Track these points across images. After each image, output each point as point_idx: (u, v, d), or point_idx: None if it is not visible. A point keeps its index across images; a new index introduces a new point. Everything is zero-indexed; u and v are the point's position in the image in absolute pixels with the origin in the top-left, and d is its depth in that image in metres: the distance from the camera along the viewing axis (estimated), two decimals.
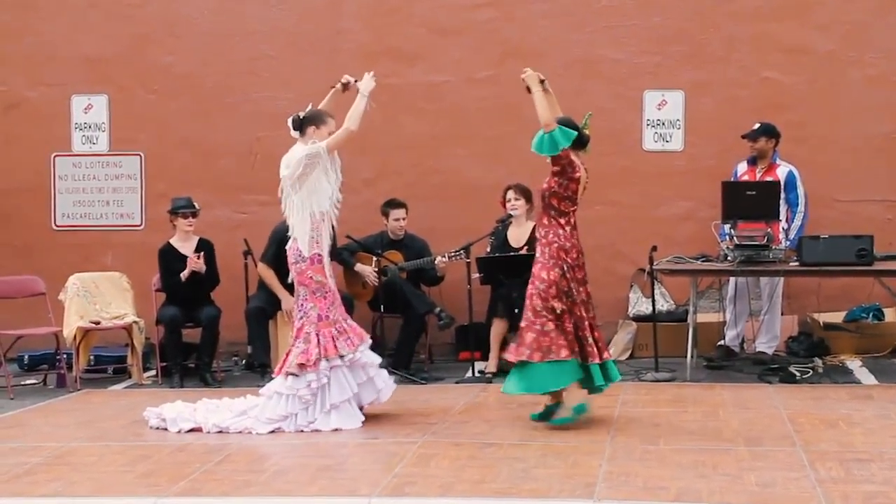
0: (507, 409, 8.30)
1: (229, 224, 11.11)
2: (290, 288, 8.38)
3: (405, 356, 10.06)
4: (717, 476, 6.21)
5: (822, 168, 10.63)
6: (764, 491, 5.93)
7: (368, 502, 5.97)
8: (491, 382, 9.48)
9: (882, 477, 6.15)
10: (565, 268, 7.50)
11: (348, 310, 9.78)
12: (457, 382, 9.60)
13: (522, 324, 7.58)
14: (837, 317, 10.56)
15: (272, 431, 7.60)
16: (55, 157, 11.64)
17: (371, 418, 7.90)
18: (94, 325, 10.02)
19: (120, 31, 11.55)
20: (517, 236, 10.17)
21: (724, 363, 10.00)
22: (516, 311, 9.38)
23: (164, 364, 10.03)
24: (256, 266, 10.14)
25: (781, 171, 10.06)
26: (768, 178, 9.99)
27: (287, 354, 7.81)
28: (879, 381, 9.31)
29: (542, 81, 7.72)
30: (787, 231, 9.91)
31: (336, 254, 10.06)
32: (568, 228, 7.60)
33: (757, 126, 10.11)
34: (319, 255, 7.71)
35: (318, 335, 7.67)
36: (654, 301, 10.21)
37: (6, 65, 11.68)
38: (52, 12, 11.63)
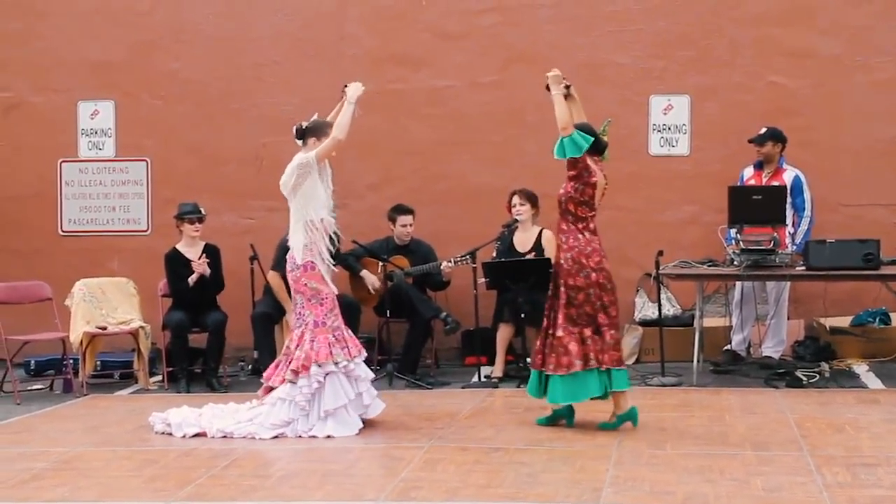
0: (513, 413, 8.30)
1: (235, 230, 11.13)
2: None
3: (411, 361, 10.07)
4: (724, 481, 6.21)
5: (829, 172, 10.62)
6: (771, 496, 5.93)
7: None
8: (497, 387, 9.48)
9: (889, 481, 6.14)
10: (589, 273, 7.50)
11: (355, 315, 9.84)
12: (463, 387, 9.59)
13: (559, 333, 7.51)
14: (844, 321, 10.54)
15: (275, 437, 7.59)
16: (62, 162, 11.66)
17: (377, 423, 7.91)
18: (100, 330, 10.03)
19: (126, 37, 11.57)
20: (523, 241, 10.17)
21: (731, 368, 9.98)
22: (522, 315, 9.43)
23: (171, 369, 10.04)
24: (263, 271, 10.15)
25: (788, 176, 10.05)
26: (775, 183, 9.97)
27: (277, 364, 7.85)
28: (886, 385, 9.29)
29: (567, 87, 7.77)
30: (793, 235, 9.91)
31: (342, 259, 10.08)
32: (587, 233, 7.60)
33: (763, 130, 10.10)
34: (313, 262, 7.70)
35: (313, 341, 7.67)
36: (660, 306, 10.20)
37: (13, 71, 11.71)
38: (59, 19, 11.66)
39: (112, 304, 10.33)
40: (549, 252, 9.94)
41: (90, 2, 11.66)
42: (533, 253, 10.05)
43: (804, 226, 9.99)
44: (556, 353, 7.52)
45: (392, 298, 9.90)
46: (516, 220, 10.10)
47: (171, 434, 7.78)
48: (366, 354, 7.97)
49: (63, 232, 11.68)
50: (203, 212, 10.19)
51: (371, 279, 10.21)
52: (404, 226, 10.39)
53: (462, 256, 9.97)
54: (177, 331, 9.87)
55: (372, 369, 10.20)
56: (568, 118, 7.48)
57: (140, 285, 10.52)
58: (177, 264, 10.04)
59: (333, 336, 7.70)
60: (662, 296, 10.36)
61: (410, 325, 10.13)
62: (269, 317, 9.91)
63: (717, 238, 9.80)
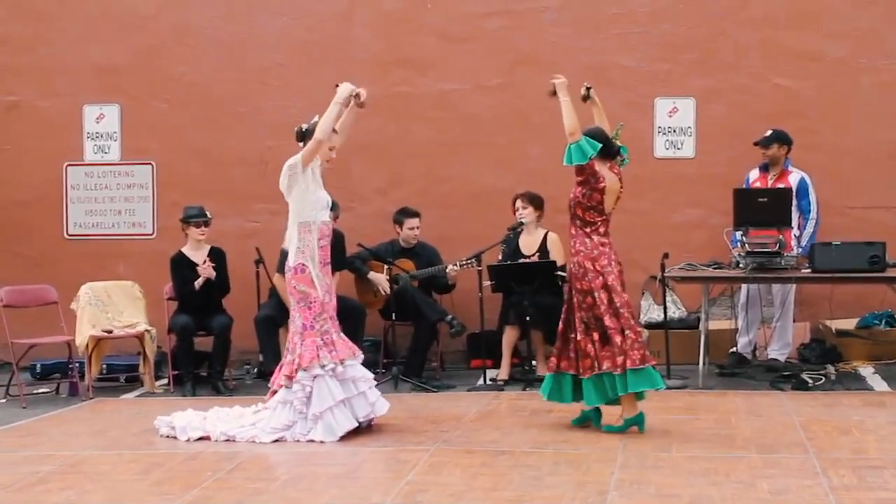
0: (518, 416, 8.30)
1: (241, 233, 11.13)
2: None
3: (417, 364, 10.07)
4: (730, 483, 6.20)
5: (834, 175, 10.61)
6: (777, 498, 5.92)
7: None
8: (503, 390, 9.47)
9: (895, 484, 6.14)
10: (595, 276, 7.50)
11: (360, 319, 9.84)
12: (468, 390, 9.59)
13: (579, 337, 7.54)
14: (850, 323, 10.53)
15: (276, 441, 7.59)
16: (67, 166, 11.68)
17: (383, 426, 7.91)
18: (106, 333, 10.04)
19: (131, 40, 11.59)
20: (528, 244, 10.18)
21: (737, 370, 9.97)
22: (528, 318, 9.43)
23: (176, 372, 10.04)
24: (268, 275, 10.16)
25: (793, 178, 10.04)
26: (780, 185, 9.97)
27: (280, 367, 7.86)
28: (892, 387, 9.27)
29: (588, 89, 7.82)
30: (799, 238, 9.90)
31: (348, 262, 10.09)
32: (595, 238, 7.58)
33: (769, 133, 10.10)
34: (303, 265, 7.69)
35: (301, 345, 7.68)
36: (665, 308, 10.20)
37: (19, 75, 11.73)
38: (64, 23, 11.68)
39: (118, 307, 10.33)
40: (555, 255, 9.95)
41: (95, 6, 11.68)
42: (538, 256, 10.05)
43: (810, 228, 9.98)
44: (580, 356, 7.57)
45: (398, 301, 9.90)
46: (522, 223, 10.10)
47: (175, 437, 7.78)
48: (361, 357, 7.90)
49: (69, 235, 11.69)
50: (209, 215, 10.20)
51: (379, 279, 10.22)
52: (411, 228, 10.39)
53: (467, 259, 9.97)
54: (182, 334, 9.88)
55: (377, 372, 10.29)
56: (575, 124, 7.46)
57: (146, 289, 10.53)
58: (182, 268, 10.05)
59: (322, 339, 7.66)
60: (668, 298, 10.36)
61: (416, 327, 10.13)
62: (273, 320, 9.91)
63: (723, 240, 9.79)
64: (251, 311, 10.22)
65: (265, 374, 10.05)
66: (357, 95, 7.84)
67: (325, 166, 7.82)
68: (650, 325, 10.60)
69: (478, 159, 11.18)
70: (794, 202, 9.85)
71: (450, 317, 10.03)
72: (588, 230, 7.59)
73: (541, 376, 8.67)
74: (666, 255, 9.84)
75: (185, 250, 10.16)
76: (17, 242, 11.62)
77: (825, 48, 10.90)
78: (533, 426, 7.87)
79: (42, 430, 8.48)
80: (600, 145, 7.50)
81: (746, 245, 9.36)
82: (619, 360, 7.46)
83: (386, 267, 10.18)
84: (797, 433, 7.45)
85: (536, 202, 10.13)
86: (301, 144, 7.81)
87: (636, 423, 7.59)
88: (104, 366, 10.45)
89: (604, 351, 7.50)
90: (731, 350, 10.26)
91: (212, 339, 9.99)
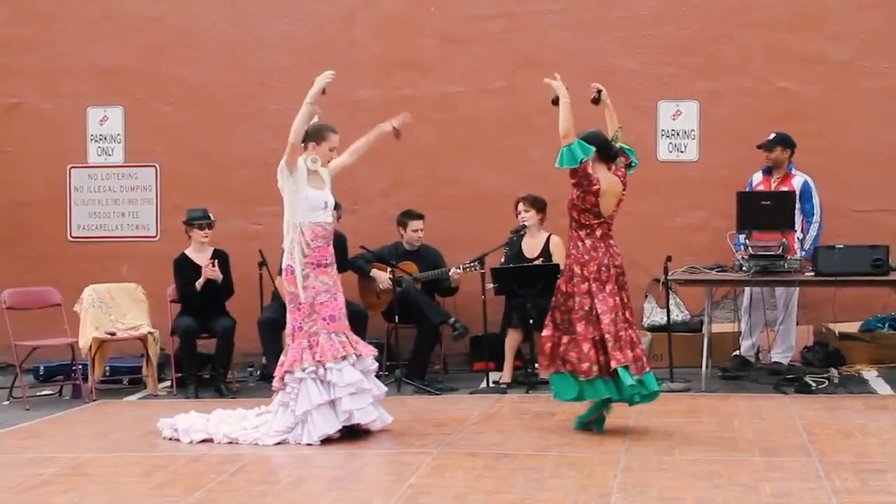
0: (521, 419, 8.30)
1: (244, 235, 11.13)
2: None
3: (419, 366, 10.07)
4: (733, 486, 6.20)
5: (838, 178, 10.61)
6: (779, 502, 5.92)
7: None
8: (505, 393, 9.47)
9: None
10: (579, 282, 7.51)
11: (362, 322, 9.82)
12: (471, 393, 9.59)
13: (543, 332, 7.69)
14: (853, 327, 10.52)
15: (279, 443, 7.59)
16: (71, 168, 11.68)
17: (385, 429, 7.90)
18: (109, 335, 10.04)
19: (135, 42, 11.60)
20: (531, 247, 10.18)
21: (740, 373, 9.97)
22: (531, 321, 9.43)
23: (179, 375, 10.04)
24: (272, 277, 10.17)
25: (797, 181, 10.04)
26: (783, 188, 9.96)
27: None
28: (895, 391, 9.26)
29: (599, 92, 7.83)
30: (802, 241, 9.89)
31: (350, 263, 10.09)
32: (589, 241, 7.58)
33: (772, 136, 10.09)
34: (291, 266, 7.72)
35: (290, 347, 7.69)
36: (668, 311, 10.19)
37: (22, 77, 11.74)
38: (68, 25, 11.69)
39: (121, 309, 10.33)
40: (557, 258, 9.95)
41: (99, 8, 11.68)
42: (541, 259, 10.05)
43: (813, 231, 9.97)
44: (539, 352, 7.75)
45: (400, 304, 9.89)
46: (524, 226, 10.10)
47: (178, 440, 7.79)
48: (349, 360, 7.66)
49: (72, 238, 11.70)
50: (212, 217, 10.21)
51: (382, 277, 10.22)
52: (415, 231, 10.39)
53: (470, 262, 9.97)
54: (186, 336, 9.89)
55: (380, 374, 10.29)
56: (569, 127, 7.47)
57: (149, 291, 10.53)
58: (186, 269, 10.05)
59: (308, 341, 7.64)
60: (671, 301, 10.35)
61: (419, 330, 10.13)
62: (276, 322, 9.89)
63: (726, 243, 9.79)
64: (254, 314, 10.22)
65: (268, 377, 10.04)
66: (395, 129, 8.06)
67: (326, 167, 7.84)
68: (653, 328, 10.60)
69: (480, 162, 11.19)
70: (798, 205, 9.84)
71: (453, 319, 10.03)
72: (583, 233, 7.60)
73: (544, 379, 8.66)
74: (669, 258, 9.84)
75: (189, 252, 10.17)
76: (21, 244, 11.62)
77: (829, 51, 10.89)
78: (535, 429, 7.87)
79: (45, 432, 8.48)
80: (593, 149, 7.52)
81: (750, 248, 9.36)
82: (585, 366, 7.47)
83: (389, 269, 10.18)
84: (800, 436, 7.45)
85: (539, 205, 10.13)
86: (303, 145, 7.82)
87: (594, 424, 7.68)
88: (107, 368, 10.45)
89: (570, 353, 7.53)
90: (734, 353, 10.25)
91: (215, 341, 9.99)
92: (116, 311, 10.28)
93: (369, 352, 7.87)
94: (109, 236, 11.66)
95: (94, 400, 9.74)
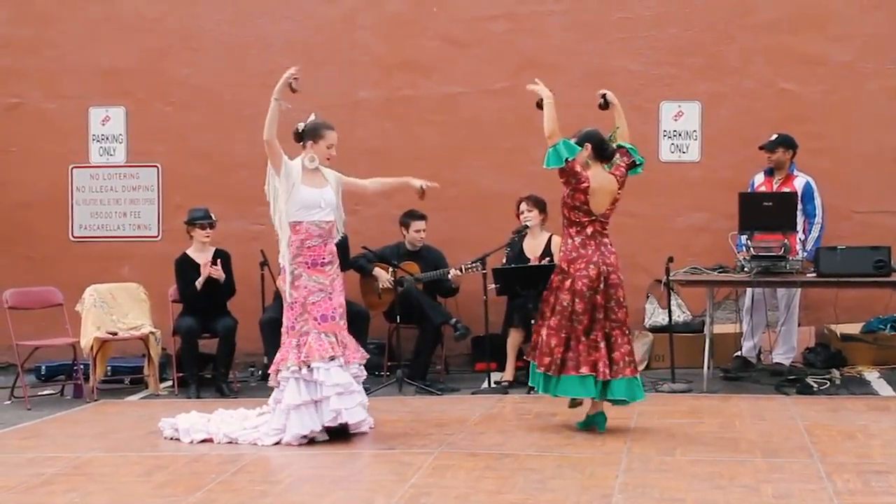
0: (523, 419, 8.30)
1: (246, 236, 11.12)
2: None
3: (421, 367, 10.07)
4: (734, 487, 6.19)
5: (840, 179, 10.60)
6: (781, 503, 5.92)
7: None
8: (507, 393, 9.47)
9: None
10: (564, 279, 7.54)
11: (363, 323, 9.82)
12: (473, 393, 9.59)
13: (534, 321, 7.86)
14: (855, 328, 10.52)
15: (276, 443, 7.58)
16: (73, 168, 11.69)
17: (387, 429, 7.91)
18: (110, 335, 10.04)
19: (137, 43, 11.60)
20: (533, 247, 10.18)
21: (741, 374, 9.96)
22: (532, 321, 9.41)
23: (181, 374, 10.05)
24: (273, 277, 10.17)
25: (798, 182, 10.03)
26: (785, 189, 9.96)
27: None
28: None
29: (603, 96, 7.89)
30: (804, 242, 9.89)
31: (351, 262, 10.09)
32: (578, 239, 7.61)
33: (774, 137, 10.09)
34: (282, 265, 7.75)
35: (283, 346, 7.69)
36: (670, 312, 10.19)
37: (24, 77, 11.75)
38: (70, 25, 11.69)
39: (123, 309, 10.34)
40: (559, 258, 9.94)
41: (101, 9, 11.69)
42: (547, 259, 10.04)
43: (815, 232, 9.97)
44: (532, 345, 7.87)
45: (402, 304, 9.89)
46: (526, 226, 10.10)
47: (179, 440, 7.79)
48: (336, 362, 7.57)
49: (74, 238, 11.70)
50: (214, 217, 10.21)
51: (384, 276, 10.22)
52: (418, 231, 10.39)
53: (472, 263, 9.96)
54: (187, 336, 9.89)
55: (381, 375, 10.29)
56: (554, 127, 7.53)
57: (150, 291, 10.53)
58: (187, 269, 10.05)
59: (298, 340, 7.62)
60: (673, 302, 10.35)
61: (420, 330, 10.13)
62: (278, 322, 9.81)
63: (728, 244, 9.79)
64: (256, 314, 10.23)
65: (269, 377, 10.06)
66: (422, 188, 8.24)
67: (326, 164, 7.84)
68: (655, 329, 10.61)
69: (482, 163, 11.18)
70: (800, 206, 9.84)
71: (454, 320, 10.03)
72: (573, 230, 7.65)
73: None
74: (671, 259, 9.85)
75: (190, 252, 10.17)
76: (23, 244, 11.63)
77: (831, 53, 10.89)
78: (537, 429, 7.87)
79: (46, 431, 8.49)
80: (579, 148, 7.57)
81: (751, 249, 9.35)
82: (546, 360, 7.60)
83: (391, 269, 10.18)
84: (802, 437, 7.45)
85: (541, 205, 10.13)
86: (301, 145, 7.83)
87: (595, 423, 7.72)
88: (109, 368, 10.46)
89: (543, 346, 7.68)
90: (736, 354, 10.24)
91: (216, 341, 9.99)
92: (118, 311, 10.29)
93: (357, 358, 7.77)
94: (111, 236, 11.67)
95: (96, 400, 9.74)
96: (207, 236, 10.15)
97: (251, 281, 10.42)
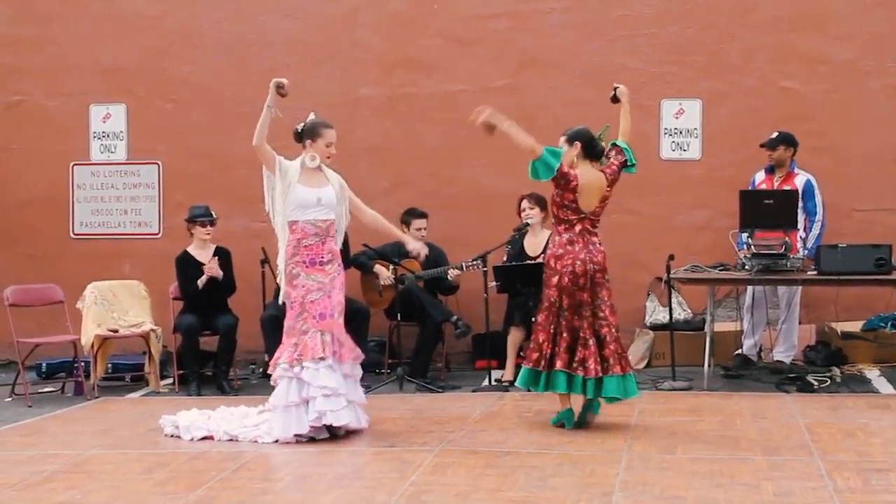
0: (523, 417, 8.29)
1: (246, 234, 11.12)
2: None
3: (422, 365, 10.08)
4: (735, 485, 6.19)
5: (841, 177, 10.60)
6: (781, 501, 5.91)
7: None
8: (507, 391, 9.47)
9: None
10: (552, 275, 7.59)
11: (364, 321, 9.82)
12: (473, 391, 9.59)
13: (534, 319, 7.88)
14: (855, 326, 10.52)
15: (276, 441, 7.58)
16: (73, 166, 11.70)
17: (387, 427, 7.91)
18: (111, 333, 10.05)
19: (138, 41, 11.61)
20: (533, 245, 10.18)
21: (742, 372, 9.96)
22: (533, 319, 9.41)
23: (182, 372, 10.05)
24: (274, 275, 10.17)
25: (799, 180, 10.03)
26: (786, 187, 9.96)
27: None
28: None
29: (615, 89, 7.93)
30: (804, 240, 9.88)
31: (352, 260, 10.09)
32: (566, 236, 7.62)
33: (775, 135, 10.09)
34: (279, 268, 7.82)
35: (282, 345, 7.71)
36: (671, 310, 10.19)
37: (26, 75, 11.76)
38: (71, 23, 11.71)
39: (123, 306, 10.34)
40: None
41: (102, 7, 11.70)
42: (543, 257, 10.04)
43: (816, 230, 9.97)
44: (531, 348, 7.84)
45: (403, 302, 9.90)
46: (527, 224, 10.10)
47: (179, 437, 7.79)
48: (325, 363, 7.52)
49: (75, 235, 11.71)
50: (214, 215, 10.22)
51: (384, 273, 10.22)
52: (419, 229, 10.39)
53: (473, 261, 9.97)
54: (188, 334, 9.89)
55: (381, 372, 10.29)
56: (531, 143, 7.53)
57: (151, 288, 10.54)
58: (188, 266, 10.06)
59: (296, 340, 7.60)
60: (673, 300, 10.35)
61: (421, 328, 10.14)
62: (279, 319, 9.81)
63: (729, 242, 9.79)
64: (256, 311, 10.23)
65: (270, 375, 10.06)
66: (416, 255, 8.26)
67: (327, 163, 7.85)
68: (655, 327, 10.61)
69: (483, 161, 11.17)
70: (800, 204, 9.83)
71: (455, 317, 10.03)
72: (561, 228, 7.69)
73: None
74: (671, 257, 9.85)
75: (191, 250, 10.17)
76: (24, 242, 11.64)
77: (832, 51, 10.89)
78: (537, 427, 7.87)
79: (47, 429, 8.49)
80: (562, 151, 7.62)
81: (752, 247, 9.35)
82: (535, 356, 7.67)
83: (391, 267, 10.19)
84: (802, 436, 7.44)
85: (542, 203, 10.12)
86: (301, 145, 7.84)
87: (564, 419, 7.74)
88: (109, 365, 10.47)
89: (530, 342, 7.78)
90: (737, 352, 10.24)
91: (217, 338, 10.00)
92: (119, 309, 10.29)
93: (351, 357, 7.73)
94: (112, 233, 11.68)
95: (96, 397, 9.75)
96: (208, 234, 10.15)
97: (252, 278, 10.43)
